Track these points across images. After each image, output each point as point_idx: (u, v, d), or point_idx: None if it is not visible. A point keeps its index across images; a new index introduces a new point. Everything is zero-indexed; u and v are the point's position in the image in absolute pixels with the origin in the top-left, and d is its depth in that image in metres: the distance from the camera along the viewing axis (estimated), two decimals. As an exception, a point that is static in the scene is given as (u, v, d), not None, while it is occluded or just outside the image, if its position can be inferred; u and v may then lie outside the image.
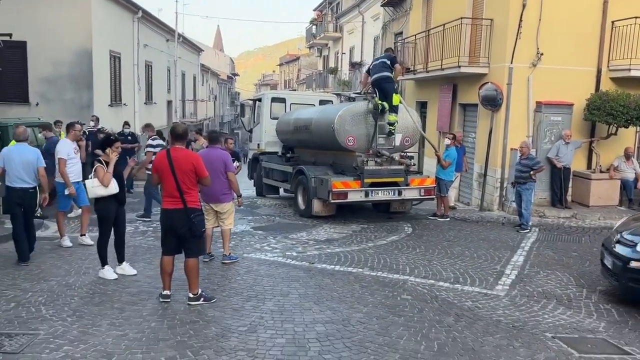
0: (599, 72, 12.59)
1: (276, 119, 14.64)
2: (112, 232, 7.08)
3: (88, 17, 15.96)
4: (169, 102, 28.18)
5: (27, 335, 4.89)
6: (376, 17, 25.04)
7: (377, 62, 11.23)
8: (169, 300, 6.06)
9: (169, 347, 4.79)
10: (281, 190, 14.61)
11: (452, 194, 12.59)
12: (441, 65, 13.99)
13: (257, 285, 6.86)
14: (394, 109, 11.02)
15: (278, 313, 5.82)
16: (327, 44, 37.33)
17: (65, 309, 5.71)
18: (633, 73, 12.00)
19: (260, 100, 15.48)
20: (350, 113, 11.08)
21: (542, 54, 12.22)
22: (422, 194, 11.45)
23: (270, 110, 14.89)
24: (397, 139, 11.33)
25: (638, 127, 12.50)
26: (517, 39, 12.13)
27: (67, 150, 8.56)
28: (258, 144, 15.17)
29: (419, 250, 9.06)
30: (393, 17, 21.69)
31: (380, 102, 10.92)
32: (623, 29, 12.28)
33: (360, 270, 7.80)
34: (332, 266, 7.97)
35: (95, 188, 6.73)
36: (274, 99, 15.18)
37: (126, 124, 15.22)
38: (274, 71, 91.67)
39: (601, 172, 12.47)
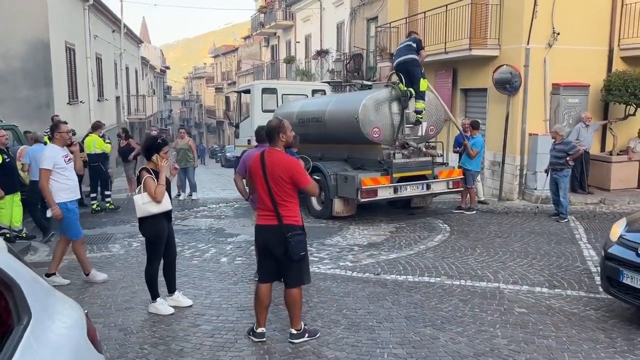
0: (610, 51, 12.23)
1: (268, 111, 13.40)
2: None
3: (43, 3, 14.00)
4: (117, 98, 26.03)
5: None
6: (339, 2, 24.04)
7: (402, 45, 10.29)
8: (264, 339, 4.88)
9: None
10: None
11: (479, 188, 11.85)
12: (445, 49, 13.21)
13: (345, 309, 5.76)
14: (420, 96, 10.12)
15: (408, 346, 4.77)
16: (275, 33, 35.94)
17: (148, 366, 4.42)
18: (648, 51, 11.71)
19: (247, 91, 14.17)
20: (374, 101, 10.08)
21: (558, 34, 11.68)
22: (451, 186, 10.66)
23: (261, 102, 13.63)
24: (422, 128, 10.47)
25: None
26: (533, 18, 11.52)
27: (54, 158, 6.45)
28: (248, 140, 13.84)
29: (480, 250, 8.22)
30: (364, 1, 20.77)
31: (406, 88, 10.01)
32: (633, 6, 11.96)
33: (439, 279, 6.86)
34: (404, 277, 6.98)
35: (147, 205, 5.38)
36: (264, 90, 13.92)
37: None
38: (205, 63, 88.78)
39: (618, 154, 12.14)
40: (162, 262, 5.78)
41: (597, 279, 6.80)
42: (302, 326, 4.90)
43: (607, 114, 12.40)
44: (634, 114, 11.83)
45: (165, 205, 5.49)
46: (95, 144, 11.65)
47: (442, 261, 7.65)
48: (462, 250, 8.25)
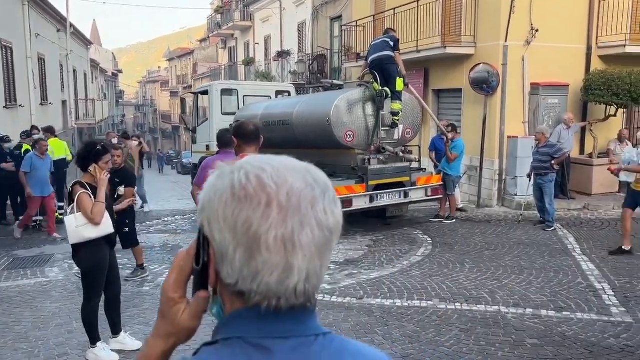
0: (589, 49, 11.70)
1: (228, 114, 12.33)
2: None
3: (-26, -5, 12.56)
4: (64, 102, 24.35)
5: None
6: (300, 2, 23.13)
7: (377, 41, 9.43)
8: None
9: None
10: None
11: (457, 194, 11.08)
12: (417, 47, 12.43)
13: (328, 347, 4.81)
14: (397, 96, 9.28)
15: (414, 400, 3.87)
16: (233, 35, 34.77)
17: None
18: (628, 49, 11.19)
19: (205, 93, 13.06)
20: (347, 103, 9.17)
21: (537, 31, 11.06)
22: (429, 193, 9.84)
23: (221, 104, 12.55)
24: (399, 131, 9.63)
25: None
26: (511, 13, 10.87)
27: None
28: (207, 145, 12.70)
29: (469, 266, 7.40)
30: (327, 0, 19.92)
31: (381, 87, 9.15)
32: (610, 3, 11.45)
33: (431, 303, 6.00)
34: (391, 301, 6.10)
35: (81, 228, 4.29)
36: (224, 91, 12.83)
37: (35, 128, 12.06)
38: (159, 67, 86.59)
39: (598, 157, 11.60)
40: (103, 297, 4.70)
41: (605, 297, 6.11)
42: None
43: (586, 114, 11.87)
44: (615, 115, 11.31)
45: (106, 228, 4.41)
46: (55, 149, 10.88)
47: (431, 280, 6.79)
48: (450, 266, 7.42)
